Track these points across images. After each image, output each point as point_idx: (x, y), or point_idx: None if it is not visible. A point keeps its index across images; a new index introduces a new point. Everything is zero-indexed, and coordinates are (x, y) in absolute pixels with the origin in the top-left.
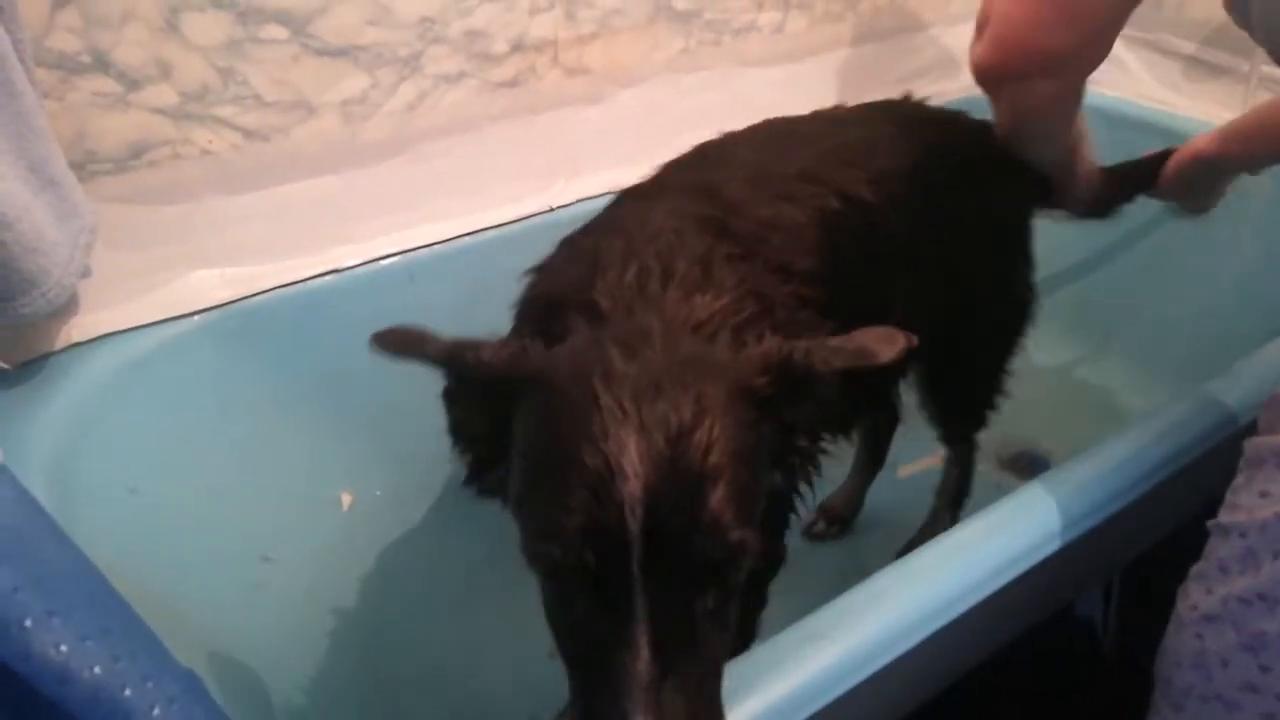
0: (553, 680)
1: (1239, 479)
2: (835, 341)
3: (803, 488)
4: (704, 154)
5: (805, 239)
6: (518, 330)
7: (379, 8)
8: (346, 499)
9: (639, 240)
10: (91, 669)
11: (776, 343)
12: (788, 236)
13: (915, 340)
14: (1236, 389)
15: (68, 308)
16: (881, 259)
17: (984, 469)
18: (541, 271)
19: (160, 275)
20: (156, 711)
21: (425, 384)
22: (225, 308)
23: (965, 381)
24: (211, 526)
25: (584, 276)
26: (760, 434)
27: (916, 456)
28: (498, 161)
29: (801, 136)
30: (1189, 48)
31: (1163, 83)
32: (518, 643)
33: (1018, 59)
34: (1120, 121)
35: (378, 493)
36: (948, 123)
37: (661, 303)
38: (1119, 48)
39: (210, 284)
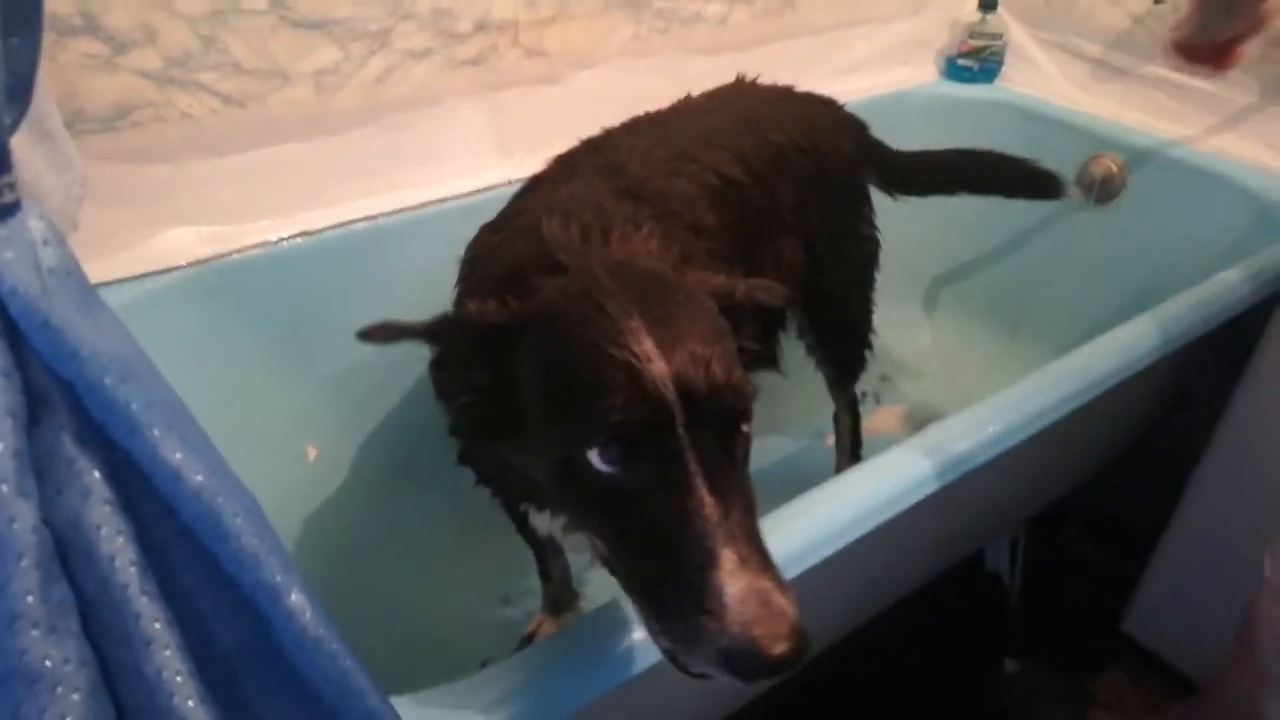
0: (505, 624)
1: None
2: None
3: None
4: (594, 145)
5: (701, 205)
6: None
7: None
8: (312, 452)
9: (571, 209)
10: (196, 475)
11: (718, 275)
12: (687, 204)
13: (790, 296)
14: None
15: None
16: (754, 225)
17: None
18: (479, 257)
19: (141, 232)
20: (238, 519)
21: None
22: (202, 265)
23: (840, 321)
24: None
25: (533, 245)
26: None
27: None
28: (460, 134)
29: (671, 126)
30: (1095, 50)
31: (1072, 82)
32: (472, 590)
33: None
34: (1033, 117)
35: (342, 447)
36: (786, 99)
37: (611, 250)
38: (1033, 48)
39: (188, 242)
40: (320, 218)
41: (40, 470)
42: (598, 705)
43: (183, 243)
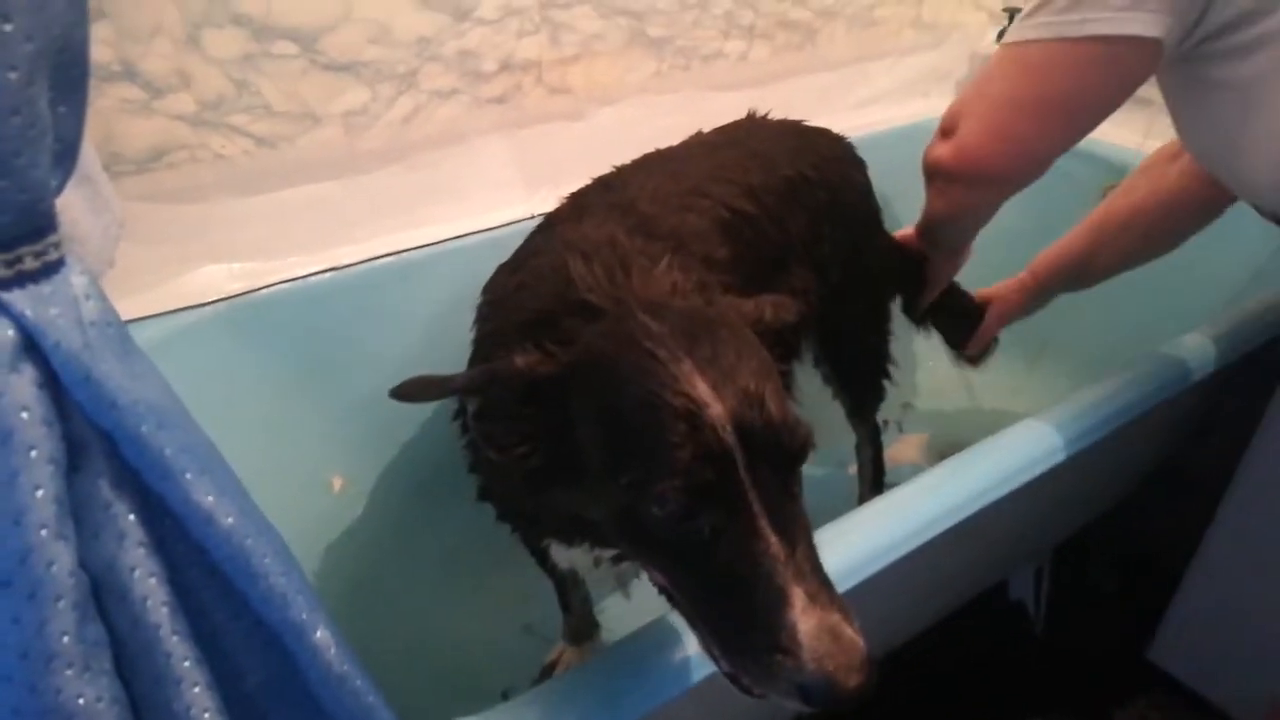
0: (526, 653)
1: None
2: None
3: None
4: (606, 183)
5: (713, 239)
6: (500, 351)
7: (380, 27)
8: (338, 482)
9: (587, 250)
10: (227, 518)
11: (745, 301)
12: (698, 238)
13: (803, 312)
14: (1141, 379)
15: None
16: (766, 257)
17: (922, 468)
18: (499, 300)
19: (175, 268)
20: (267, 560)
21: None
22: (233, 300)
23: (856, 351)
24: None
25: (558, 288)
26: None
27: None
28: (485, 171)
29: (681, 161)
30: None
31: None
32: (493, 620)
33: (971, 170)
34: None
35: (367, 477)
36: (796, 133)
37: (635, 286)
38: None
39: (220, 278)
40: (348, 254)
41: (78, 515)
42: None
43: (215, 279)
